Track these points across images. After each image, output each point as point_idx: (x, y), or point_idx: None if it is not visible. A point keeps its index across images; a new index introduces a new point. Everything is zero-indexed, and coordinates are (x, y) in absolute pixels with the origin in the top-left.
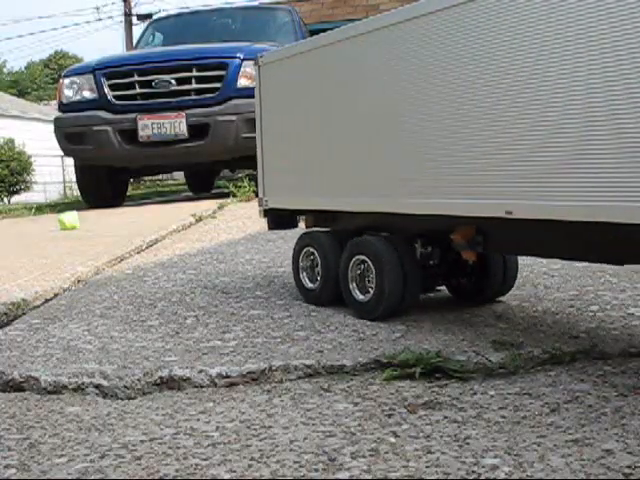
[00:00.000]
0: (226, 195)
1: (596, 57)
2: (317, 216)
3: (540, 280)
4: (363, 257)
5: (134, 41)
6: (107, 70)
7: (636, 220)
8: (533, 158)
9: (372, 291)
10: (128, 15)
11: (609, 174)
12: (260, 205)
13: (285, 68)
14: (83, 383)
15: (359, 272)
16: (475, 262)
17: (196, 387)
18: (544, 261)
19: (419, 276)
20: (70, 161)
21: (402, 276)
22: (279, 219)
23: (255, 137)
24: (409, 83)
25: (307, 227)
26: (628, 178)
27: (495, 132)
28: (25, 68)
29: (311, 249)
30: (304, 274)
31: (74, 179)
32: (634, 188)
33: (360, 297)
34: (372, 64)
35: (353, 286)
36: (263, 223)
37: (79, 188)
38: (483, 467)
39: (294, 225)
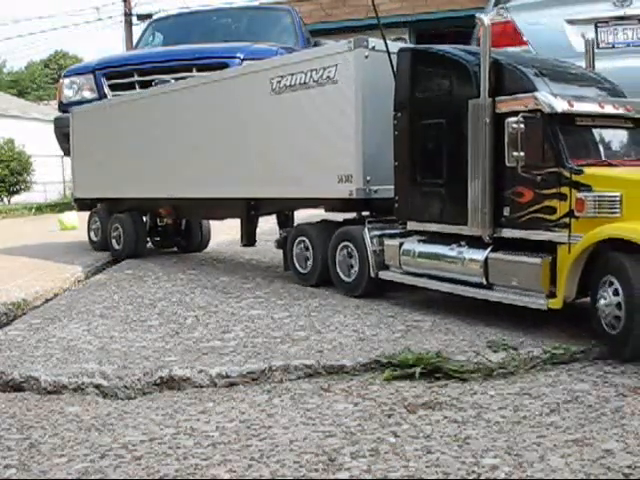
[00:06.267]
0: None
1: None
2: (108, 202)
3: None
4: (117, 225)
5: (134, 41)
6: (107, 70)
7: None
8: (180, 172)
9: (121, 244)
10: (128, 15)
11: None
12: (73, 196)
13: (87, 116)
14: (83, 383)
15: (116, 233)
16: (184, 229)
17: (196, 387)
18: None
19: (145, 236)
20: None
21: (135, 236)
22: (84, 205)
23: None
24: (148, 130)
25: (100, 209)
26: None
27: (157, 160)
28: (25, 68)
29: (96, 217)
30: (92, 233)
31: None
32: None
33: (116, 247)
34: (134, 118)
35: (113, 241)
36: (261, 223)
37: None
38: (483, 467)
39: (94, 207)
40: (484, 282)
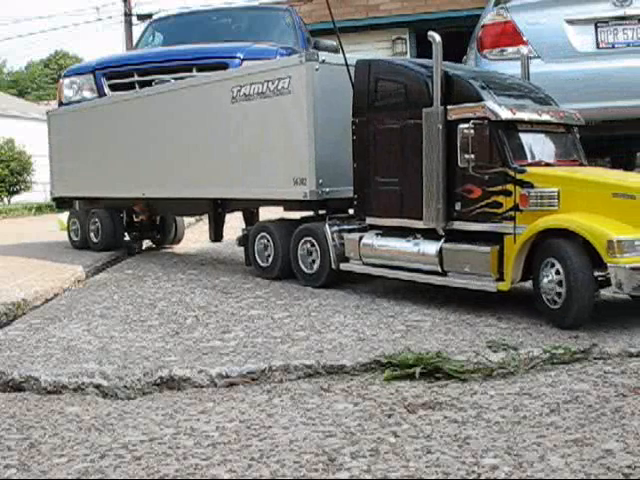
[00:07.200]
0: None
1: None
2: (85, 200)
3: None
4: (96, 219)
5: (134, 41)
6: (107, 70)
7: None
8: (153, 173)
9: (99, 237)
10: (128, 15)
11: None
12: (51, 195)
13: (63, 119)
14: (83, 383)
15: (94, 227)
16: (159, 224)
17: (196, 387)
18: None
19: (122, 230)
20: None
21: (113, 230)
22: (62, 202)
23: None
24: (121, 133)
25: (79, 207)
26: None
27: (130, 162)
28: (25, 68)
29: (74, 219)
30: (72, 233)
31: None
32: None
33: (94, 240)
34: (108, 122)
35: (91, 235)
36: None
37: None
38: (483, 467)
39: (71, 206)
40: (439, 270)
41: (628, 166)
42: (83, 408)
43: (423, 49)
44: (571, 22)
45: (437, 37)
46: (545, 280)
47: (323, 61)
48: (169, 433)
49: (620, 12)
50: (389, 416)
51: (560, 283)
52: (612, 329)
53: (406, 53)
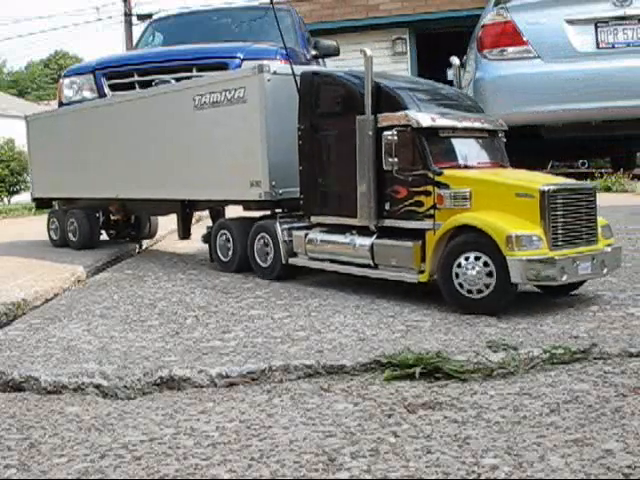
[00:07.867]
0: None
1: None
2: (64, 201)
3: None
4: (73, 219)
5: (134, 41)
6: (107, 70)
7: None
8: (126, 175)
9: (76, 236)
10: (128, 15)
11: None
12: (31, 196)
13: (42, 122)
14: (83, 383)
15: (72, 226)
16: (134, 222)
17: (196, 387)
18: None
19: (98, 228)
20: None
21: (89, 229)
22: (42, 203)
23: None
24: (96, 138)
25: (58, 207)
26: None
27: (107, 165)
28: (25, 68)
29: (54, 219)
30: (52, 232)
31: None
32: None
33: (72, 239)
34: (83, 127)
35: (70, 235)
36: None
37: None
38: (483, 467)
39: (50, 206)
40: (371, 263)
41: (628, 166)
42: (83, 408)
43: (423, 49)
44: (571, 22)
45: (368, 52)
46: (472, 272)
47: (275, 72)
48: (169, 433)
49: (620, 12)
50: (389, 416)
51: (488, 274)
52: (612, 329)
53: (406, 53)
